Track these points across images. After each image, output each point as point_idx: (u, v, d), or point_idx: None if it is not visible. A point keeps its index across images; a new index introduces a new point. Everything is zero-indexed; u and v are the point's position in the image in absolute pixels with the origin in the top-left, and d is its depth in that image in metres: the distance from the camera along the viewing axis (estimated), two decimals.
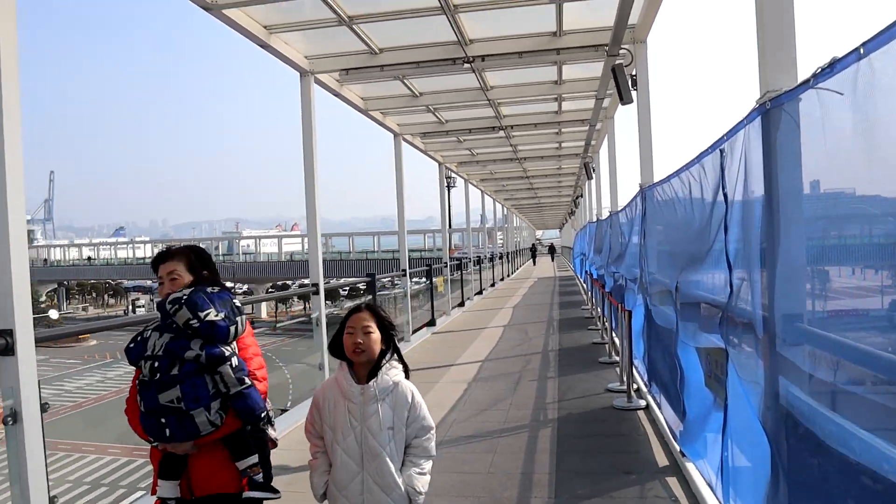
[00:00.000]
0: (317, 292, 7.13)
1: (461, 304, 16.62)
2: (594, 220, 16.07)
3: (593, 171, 14.10)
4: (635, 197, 6.91)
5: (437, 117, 10.95)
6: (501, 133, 11.81)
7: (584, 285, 18.80)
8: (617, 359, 8.60)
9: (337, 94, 8.46)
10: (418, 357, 9.85)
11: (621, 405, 6.35)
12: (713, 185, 3.56)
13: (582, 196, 22.42)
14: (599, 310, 10.62)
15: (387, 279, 11.99)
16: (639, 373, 7.05)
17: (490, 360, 9.41)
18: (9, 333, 3.02)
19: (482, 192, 23.10)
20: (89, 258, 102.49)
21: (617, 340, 9.12)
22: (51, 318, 64.77)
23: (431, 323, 12.84)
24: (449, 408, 6.70)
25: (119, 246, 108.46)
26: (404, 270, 11.05)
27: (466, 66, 7.54)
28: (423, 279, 13.53)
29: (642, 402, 6.34)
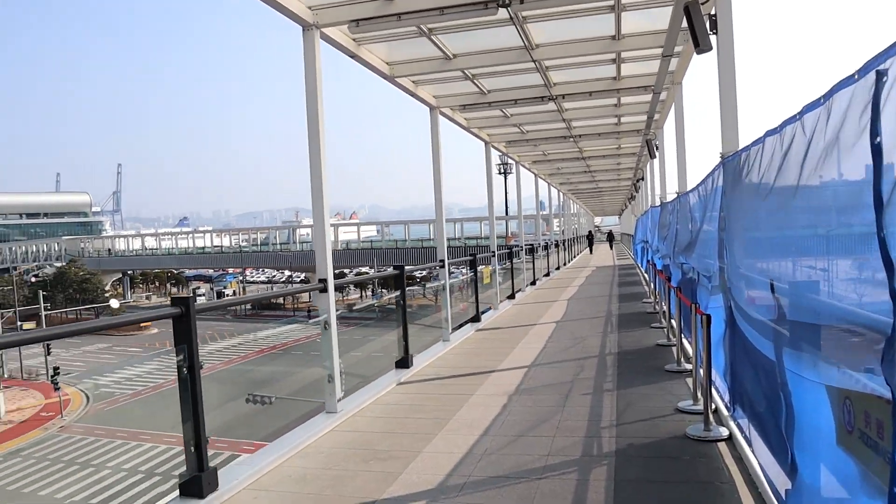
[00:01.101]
0: (324, 289, 5.99)
1: (511, 297, 15.35)
2: (657, 203, 14.58)
3: (656, 148, 12.61)
4: (713, 171, 5.54)
5: (477, 86, 9.88)
6: (552, 105, 10.46)
7: (646, 276, 17.30)
8: (687, 367, 7.23)
9: (354, 56, 7.27)
10: (455, 361, 8.65)
11: (697, 434, 5.02)
12: (856, 132, 2.23)
13: (643, 179, 20.83)
14: (665, 307, 9.23)
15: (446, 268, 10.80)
16: (718, 391, 5.69)
17: (538, 365, 8.14)
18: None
19: (535, 174, 21.73)
20: (146, 248, 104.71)
21: (688, 346, 7.76)
22: (112, 307, 65.92)
23: (475, 319, 11.62)
24: (481, 431, 5.49)
25: (181, 236, 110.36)
26: (441, 261, 9.84)
27: (501, 9, 6.14)
28: (468, 270, 12.30)
29: (724, 431, 5.00)
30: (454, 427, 5.66)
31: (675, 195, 9.04)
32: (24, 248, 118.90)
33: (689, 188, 8.51)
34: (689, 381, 6.70)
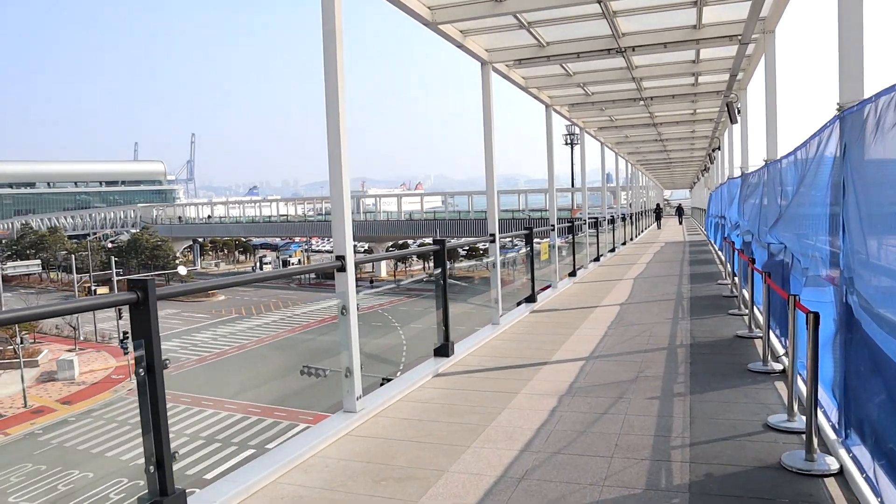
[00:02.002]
0: (342, 268, 5.07)
1: (572, 274, 14.22)
2: (735, 175, 13.18)
3: (738, 112, 11.24)
4: (822, 130, 4.37)
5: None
6: (620, 60, 9.47)
7: (721, 254, 15.90)
8: (776, 367, 6.08)
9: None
10: (503, 349, 7.67)
11: (796, 464, 3.92)
12: None
13: (719, 148, 19.25)
14: (747, 292, 8.03)
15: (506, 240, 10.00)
16: (823, 411, 4.54)
17: (596, 357, 7.09)
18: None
19: (602, 143, 20.35)
20: (209, 217, 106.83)
21: (776, 342, 6.58)
22: (180, 274, 67.28)
23: (531, 299, 10.59)
24: (522, 444, 4.52)
25: (249, 205, 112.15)
26: (492, 235, 8.82)
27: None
28: (522, 244, 11.25)
29: (832, 463, 3.89)
30: (491, 436, 4.71)
31: (763, 163, 7.78)
32: (102, 214, 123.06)
33: (779, 155, 7.27)
34: (780, 386, 5.58)
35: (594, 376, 6.26)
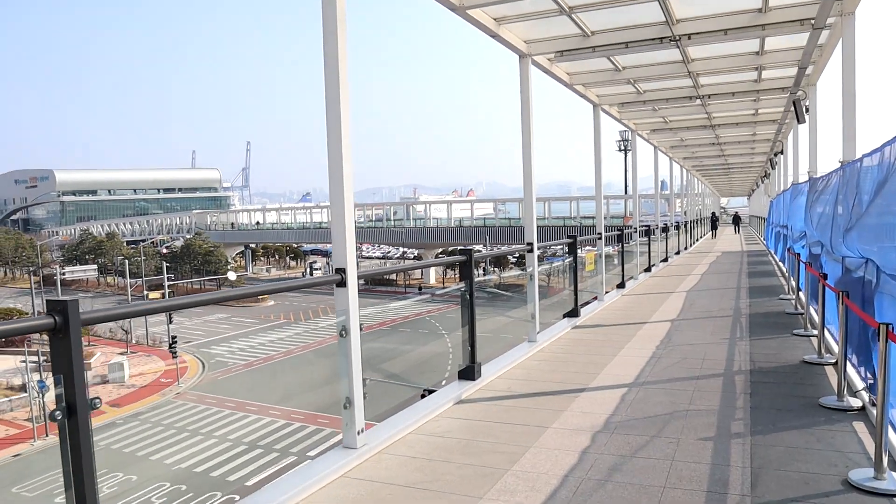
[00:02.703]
0: (342, 283, 4.39)
1: (621, 286, 13.31)
2: (801, 180, 12.11)
3: (807, 111, 10.23)
4: None
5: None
6: (675, 51, 8.57)
7: (783, 266, 14.77)
8: (853, 403, 5.17)
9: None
10: (537, 371, 6.88)
11: None
12: None
13: (782, 152, 18.05)
14: (816, 312, 7.08)
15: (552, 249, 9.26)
16: None
17: (641, 383, 6.25)
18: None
19: (655, 146, 19.31)
20: (258, 223, 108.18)
21: (855, 377, 5.65)
22: (230, 280, 67.98)
23: (573, 313, 9.76)
24: (544, 498, 3.75)
25: (300, 211, 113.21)
26: (530, 244, 8.03)
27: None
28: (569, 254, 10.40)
29: None
30: (509, 485, 3.96)
31: (840, 165, 6.83)
32: (159, 220, 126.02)
33: (857, 156, 6.35)
34: (860, 428, 4.69)
35: (637, 408, 5.43)
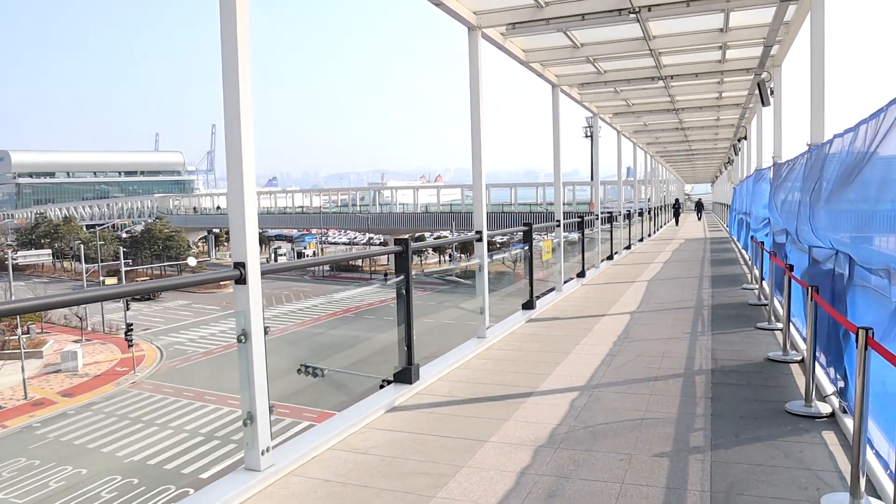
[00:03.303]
0: (241, 279, 3.75)
1: (581, 275, 12.82)
2: (764, 166, 11.72)
3: (771, 93, 9.78)
4: None
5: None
6: (635, 26, 7.99)
7: (746, 254, 14.43)
8: (822, 409, 4.70)
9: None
10: (484, 372, 6.32)
11: None
12: None
13: (745, 138, 17.71)
14: (782, 307, 6.61)
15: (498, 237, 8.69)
16: None
17: (594, 386, 5.72)
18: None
19: (618, 131, 18.81)
20: (218, 207, 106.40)
21: (824, 380, 5.18)
22: (190, 265, 66.55)
23: (528, 305, 9.22)
24: None
25: (264, 196, 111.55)
26: (479, 233, 7.44)
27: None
28: (521, 243, 9.83)
29: None
30: None
31: (807, 147, 6.35)
32: (120, 204, 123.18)
33: (826, 138, 5.87)
34: (830, 439, 4.21)
35: (587, 416, 4.89)
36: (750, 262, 12.25)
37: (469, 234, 7.54)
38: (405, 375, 5.58)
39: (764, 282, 9.71)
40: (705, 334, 7.65)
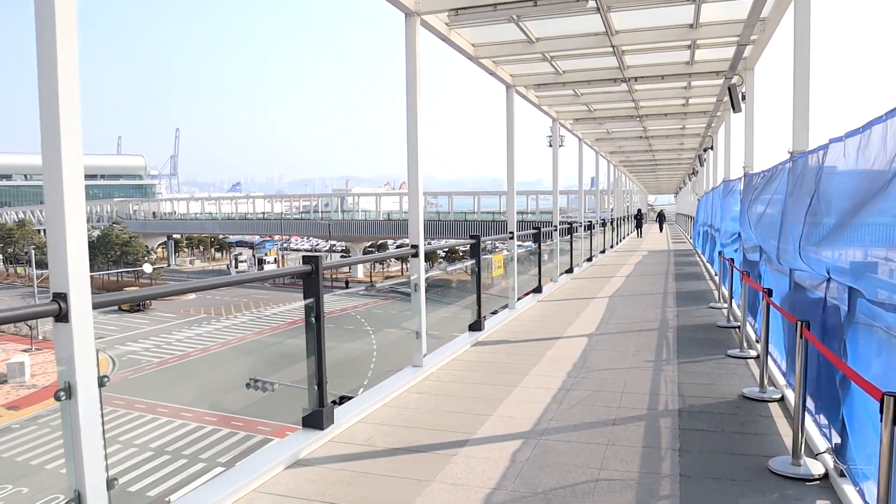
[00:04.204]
0: (62, 316, 2.78)
1: (537, 290, 11.99)
2: (733, 177, 11.03)
3: (743, 99, 9.06)
4: None
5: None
6: (597, 20, 7.15)
7: (712, 269, 13.74)
8: (813, 468, 3.86)
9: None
10: (414, 412, 5.38)
11: None
12: None
13: (712, 148, 17.10)
14: (758, 334, 5.82)
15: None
16: None
17: (541, 432, 4.82)
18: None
19: (580, 139, 18.05)
20: (174, 212, 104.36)
21: (814, 432, 4.34)
22: (144, 272, 64.69)
23: (476, 326, 8.33)
24: None
25: (225, 201, 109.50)
26: (415, 247, 6.51)
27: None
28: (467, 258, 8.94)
29: None
30: None
31: (789, 156, 5.56)
32: None
33: (810, 147, 5.10)
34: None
35: (531, 475, 3.99)
36: (717, 279, 11.53)
37: (406, 248, 6.60)
38: (315, 420, 4.63)
39: (734, 301, 8.97)
40: (671, 363, 6.82)
